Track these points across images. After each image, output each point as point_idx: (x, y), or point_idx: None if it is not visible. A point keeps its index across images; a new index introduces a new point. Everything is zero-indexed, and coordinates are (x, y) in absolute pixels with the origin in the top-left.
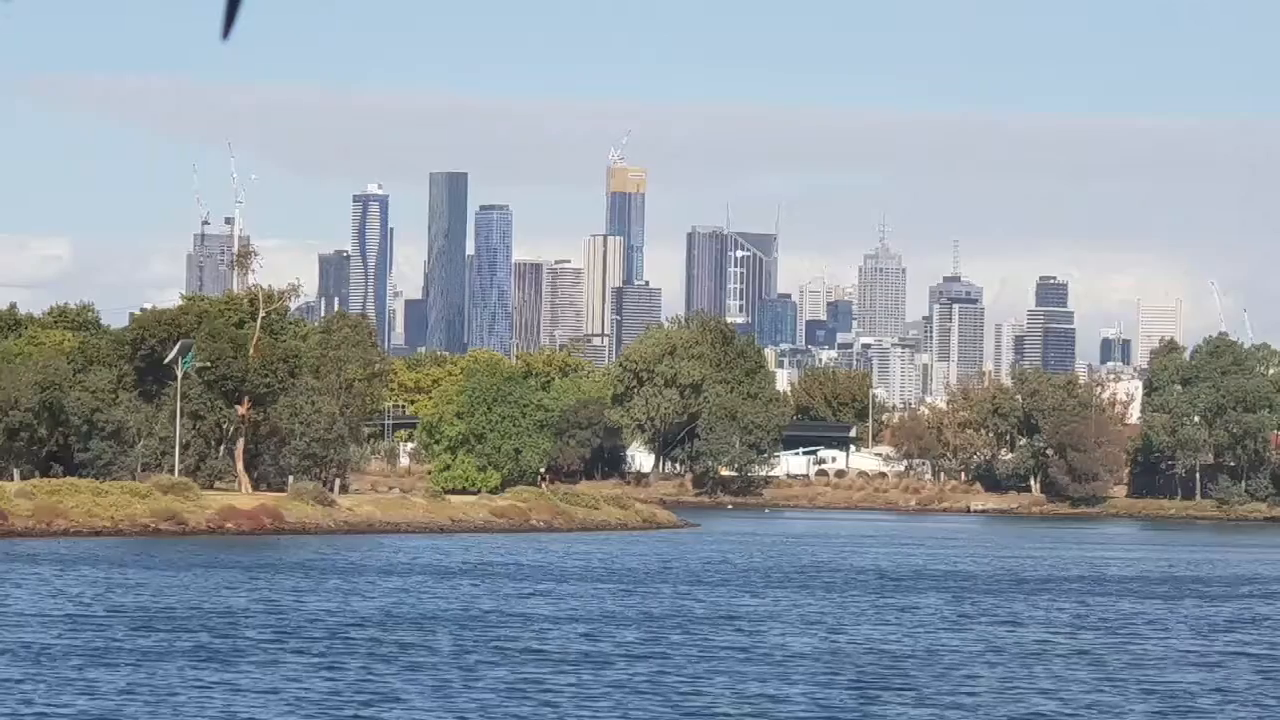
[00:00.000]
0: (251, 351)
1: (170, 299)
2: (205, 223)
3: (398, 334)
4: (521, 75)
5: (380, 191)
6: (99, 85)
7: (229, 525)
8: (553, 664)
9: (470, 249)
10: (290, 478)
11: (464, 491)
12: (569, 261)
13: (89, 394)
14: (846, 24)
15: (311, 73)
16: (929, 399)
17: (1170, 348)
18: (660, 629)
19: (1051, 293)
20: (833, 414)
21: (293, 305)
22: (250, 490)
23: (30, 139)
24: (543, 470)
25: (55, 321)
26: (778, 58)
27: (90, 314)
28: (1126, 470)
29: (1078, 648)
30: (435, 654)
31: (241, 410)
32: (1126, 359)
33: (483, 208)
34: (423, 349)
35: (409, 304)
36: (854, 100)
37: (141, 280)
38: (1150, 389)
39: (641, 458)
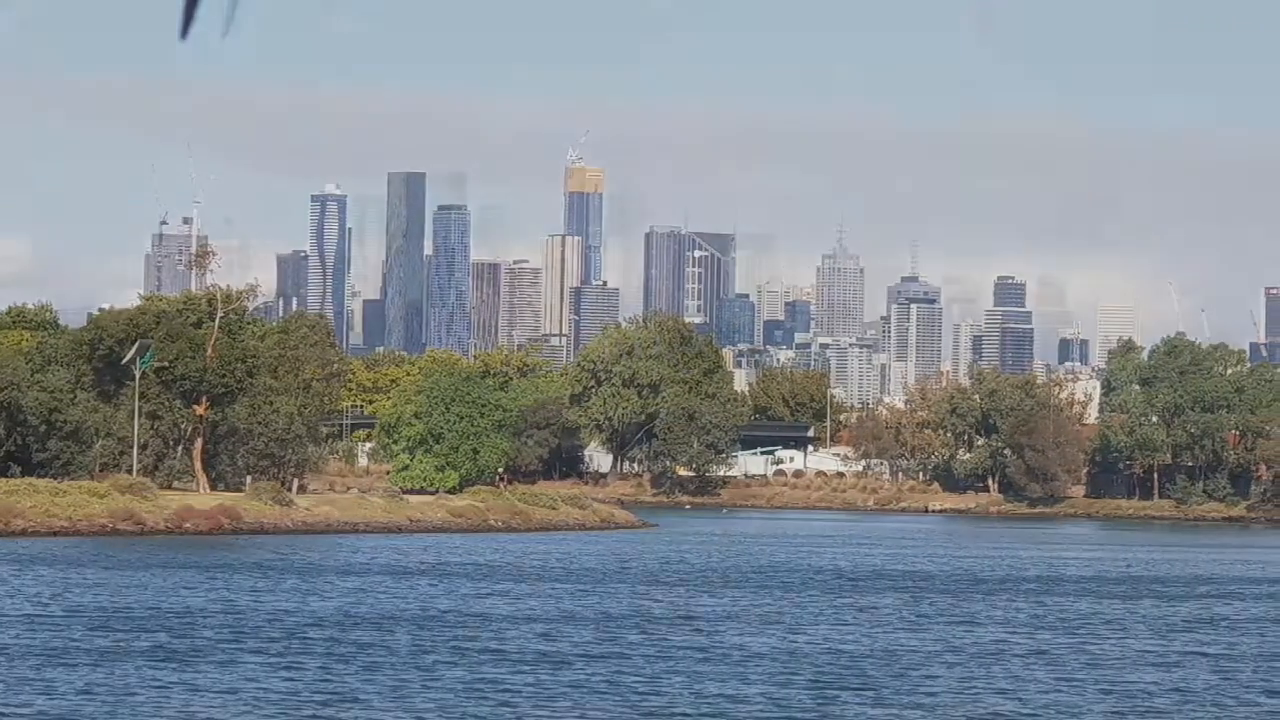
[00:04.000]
0: (209, 351)
1: (129, 299)
2: (163, 222)
3: (356, 334)
4: (480, 75)
5: (338, 191)
6: (57, 84)
7: (187, 525)
8: (511, 664)
9: (428, 249)
10: (249, 478)
11: (422, 492)
12: (527, 261)
13: (47, 394)
14: (804, 24)
15: (269, 73)
16: (887, 399)
17: (1128, 348)
18: (618, 629)
19: (1009, 293)
20: (790, 414)
21: (251, 306)
22: (209, 490)
23: None
24: (500, 470)
25: (14, 322)
26: (737, 57)
27: (48, 314)
28: (1085, 470)
29: (1036, 648)
30: (393, 654)
31: (199, 410)
32: (1084, 359)
33: (441, 208)
34: (381, 349)
35: (367, 304)
36: (814, 100)
37: (100, 280)
38: (1108, 389)
39: (599, 458)
